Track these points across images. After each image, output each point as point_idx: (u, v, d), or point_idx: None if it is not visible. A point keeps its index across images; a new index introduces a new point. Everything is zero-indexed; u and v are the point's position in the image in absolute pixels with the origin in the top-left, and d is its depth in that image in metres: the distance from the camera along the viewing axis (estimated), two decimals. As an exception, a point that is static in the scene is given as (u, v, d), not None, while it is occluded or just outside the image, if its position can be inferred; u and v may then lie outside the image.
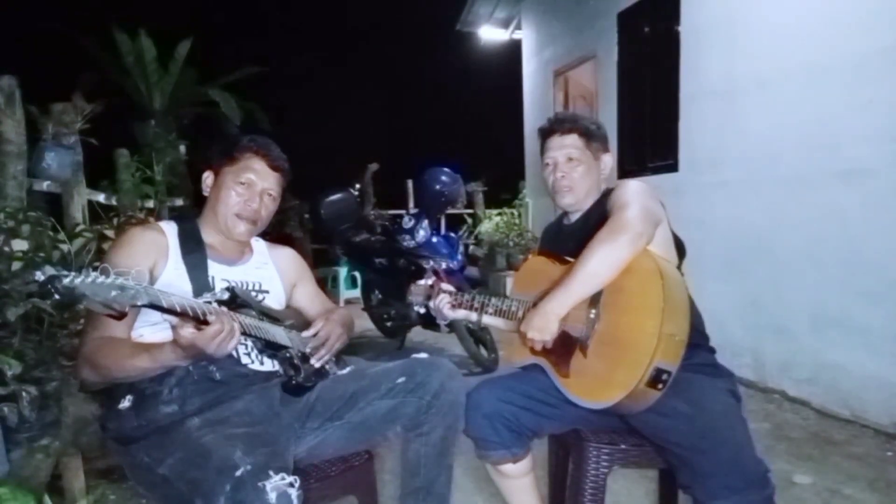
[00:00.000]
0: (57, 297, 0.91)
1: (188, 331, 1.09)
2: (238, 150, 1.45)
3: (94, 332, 1.25)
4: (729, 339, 3.19)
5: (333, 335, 1.46)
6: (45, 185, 2.74)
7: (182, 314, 1.07)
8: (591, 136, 1.60)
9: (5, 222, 1.91)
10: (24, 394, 1.64)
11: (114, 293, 0.95)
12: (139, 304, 1.00)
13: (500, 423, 1.45)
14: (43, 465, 1.69)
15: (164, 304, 1.04)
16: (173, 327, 1.12)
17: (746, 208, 3.39)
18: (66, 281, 0.92)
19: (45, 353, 1.83)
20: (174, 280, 1.32)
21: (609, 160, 1.63)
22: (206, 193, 1.48)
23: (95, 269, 0.97)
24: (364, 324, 4.43)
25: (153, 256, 1.33)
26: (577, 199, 1.59)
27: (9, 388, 1.62)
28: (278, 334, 1.35)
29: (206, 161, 1.50)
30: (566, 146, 1.58)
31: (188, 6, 12.88)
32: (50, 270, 0.92)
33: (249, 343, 1.36)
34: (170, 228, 1.42)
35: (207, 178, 1.48)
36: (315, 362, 1.42)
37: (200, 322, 1.10)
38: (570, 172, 1.57)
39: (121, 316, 0.99)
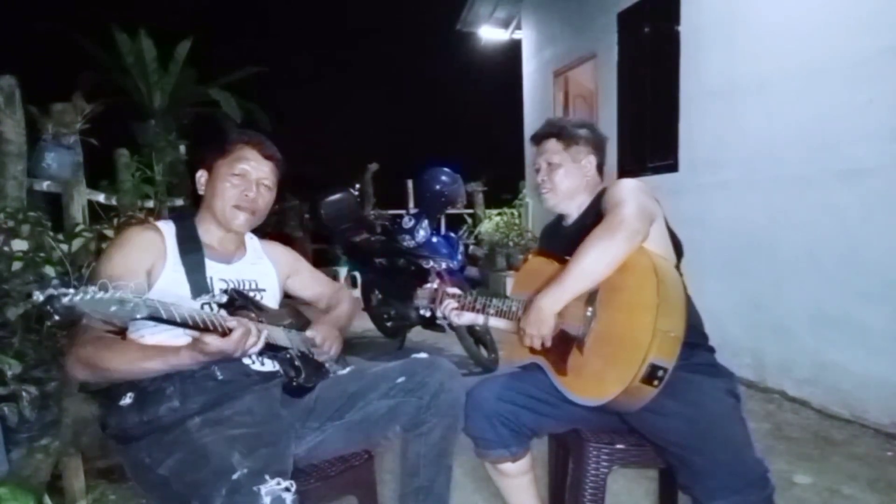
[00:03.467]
0: (56, 317, 0.90)
1: (213, 338, 1.10)
2: (229, 143, 1.45)
3: (88, 332, 1.23)
4: (729, 339, 3.19)
5: (330, 339, 1.47)
6: (45, 185, 2.73)
7: (182, 325, 1.07)
8: (571, 140, 1.62)
9: (5, 222, 1.91)
10: (24, 394, 1.64)
11: (113, 308, 0.94)
12: (139, 317, 0.99)
13: (500, 422, 1.46)
14: (43, 465, 1.69)
15: (164, 316, 1.03)
16: (195, 339, 1.12)
17: (746, 208, 3.39)
18: (65, 300, 0.90)
19: (45, 353, 1.83)
20: (172, 281, 1.32)
21: (592, 161, 1.64)
22: (201, 192, 1.48)
23: (94, 283, 0.95)
24: (364, 324, 4.43)
25: (151, 258, 1.33)
26: (558, 201, 1.64)
27: (9, 388, 1.62)
28: (278, 336, 1.35)
29: (199, 161, 1.50)
30: (546, 151, 1.65)
31: (188, 6, 12.87)
32: (49, 290, 0.90)
33: None
34: (167, 228, 1.41)
35: (201, 176, 1.48)
36: (319, 357, 1.43)
37: (203, 330, 1.10)
38: (551, 175, 1.62)
39: (121, 331, 0.99)
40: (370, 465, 1.48)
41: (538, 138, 1.68)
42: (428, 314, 1.70)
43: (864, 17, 2.70)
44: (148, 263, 1.31)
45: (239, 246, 1.53)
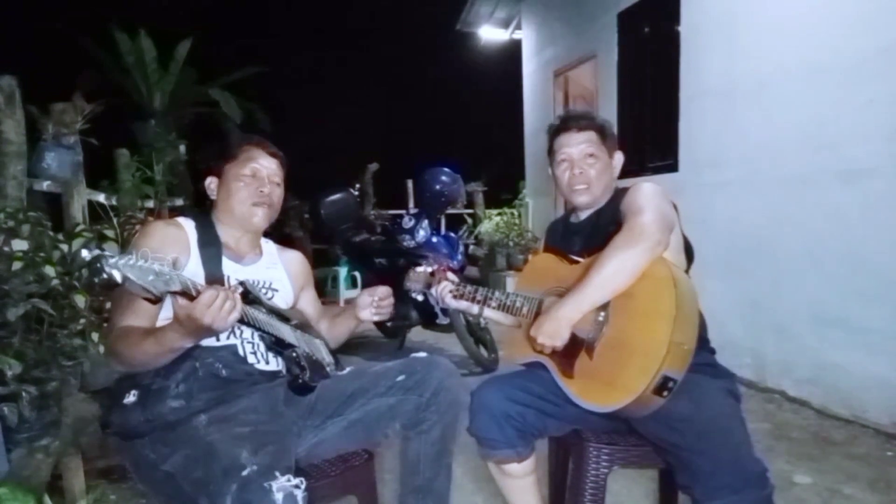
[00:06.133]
0: (105, 275, 0.94)
1: (183, 301, 1.09)
2: (236, 147, 1.50)
3: (118, 322, 1.26)
4: (729, 339, 3.19)
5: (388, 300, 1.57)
6: (45, 185, 2.73)
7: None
8: (606, 134, 1.58)
9: (5, 222, 1.90)
10: (24, 394, 1.64)
11: (151, 277, 0.99)
12: (173, 289, 1.03)
13: (507, 422, 1.45)
14: (43, 465, 1.69)
15: (193, 292, 1.06)
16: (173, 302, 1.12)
17: (746, 208, 3.39)
18: (111, 261, 0.95)
19: (45, 353, 1.83)
20: (191, 276, 1.32)
21: (620, 158, 1.61)
22: (213, 197, 1.51)
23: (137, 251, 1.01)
24: (364, 323, 4.42)
25: (176, 252, 1.35)
26: (593, 198, 1.56)
27: (9, 388, 1.62)
28: (286, 332, 1.37)
29: (205, 167, 1.54)
30: (583, 142, 1.54)
31: (188, 6, 12.86)
32: (96, 251, 0.97)
33: (256, 339, 1.38)
34: (188, 224, 1.44)
35: (211, 182, 1.51)
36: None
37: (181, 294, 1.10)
38: (588, 169, 1.54)
39: (156, 300, 1.03)
40: (370, 464, 1.48)
41: (570, 128, 1.55)
42: (420, 297, 1.69)
43: (864, 17, 2.70)
44: (174, 256, 1.32)
45: (254, 248, 1.55)
